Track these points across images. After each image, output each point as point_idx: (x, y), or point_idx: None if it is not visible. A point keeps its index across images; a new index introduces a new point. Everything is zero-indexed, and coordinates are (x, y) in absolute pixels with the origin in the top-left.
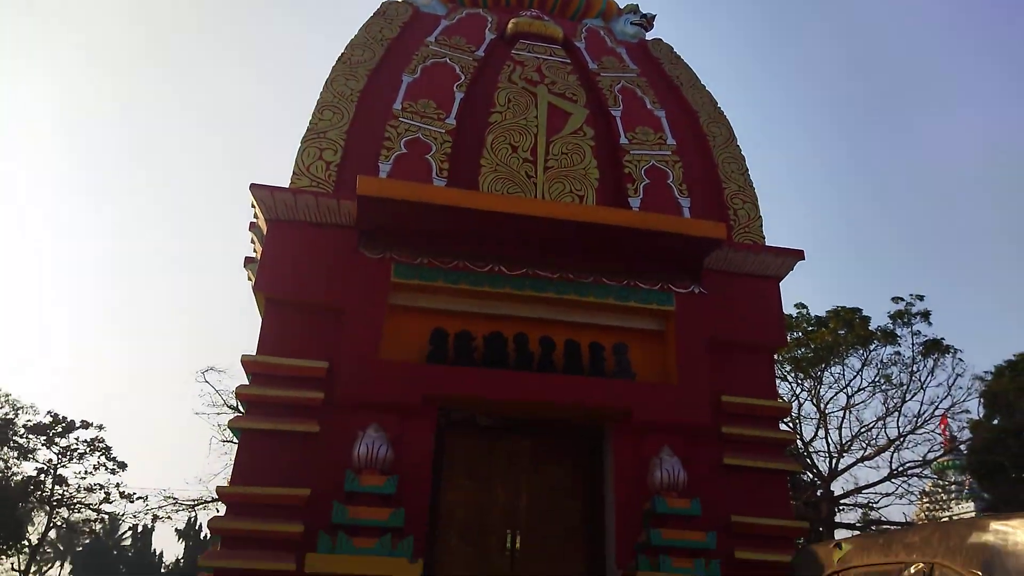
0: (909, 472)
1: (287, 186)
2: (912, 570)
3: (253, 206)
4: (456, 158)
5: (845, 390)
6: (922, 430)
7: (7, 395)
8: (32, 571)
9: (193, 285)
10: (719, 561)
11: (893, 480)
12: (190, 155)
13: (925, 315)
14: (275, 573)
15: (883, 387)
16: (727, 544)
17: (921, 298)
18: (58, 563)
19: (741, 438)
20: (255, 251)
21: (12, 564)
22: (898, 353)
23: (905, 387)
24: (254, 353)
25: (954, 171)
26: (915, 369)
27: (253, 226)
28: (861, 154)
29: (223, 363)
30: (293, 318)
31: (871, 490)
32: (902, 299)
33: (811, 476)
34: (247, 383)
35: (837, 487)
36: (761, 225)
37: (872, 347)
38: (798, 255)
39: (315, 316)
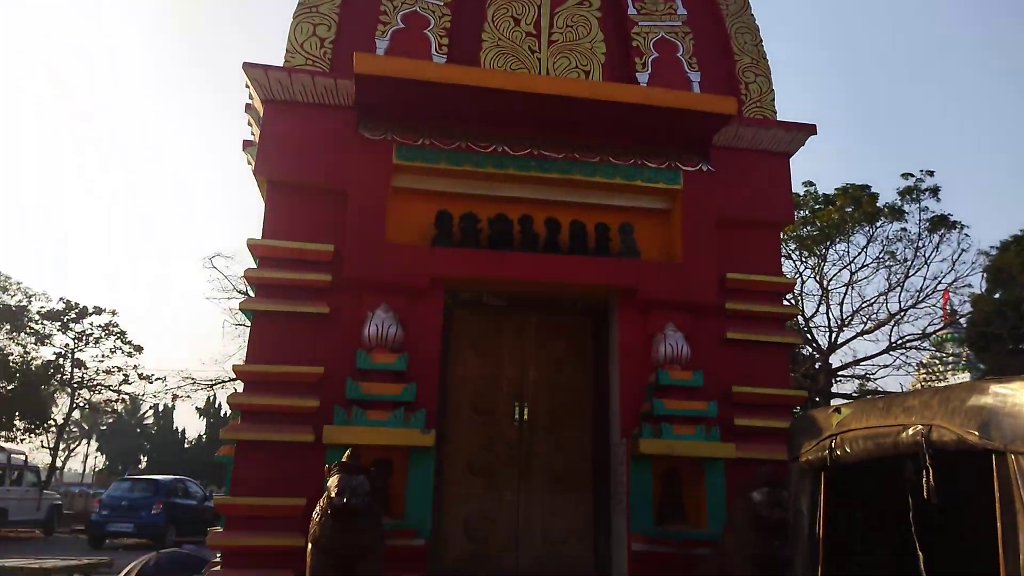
0: (908, 345)
1: (281, 65)
2: (910, 432)
3: (248, 87)
4: (456, 33)
5: (849, 267)
6: (923, 304)
7: (19, 283)
8: (60, 448)
9: (197, 169)
10: (719, 428)
11: (891, 352)
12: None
13: (934, 191)
14: (294, 444)
15: (887, 263)
16: (727, 412)
17: (931, 173)
18: (84, 441)
19: (744, 313)
20: (252, 134)
21: (41, 442)
22: (904, 230)
23: (909, 263)
24: (260, 237)
25: (972, 37)
26: (920, 245)
27: (249, 108)
28: (874, 23)
29: (230, 249)
30: (296, 201)
31: (869, 362)
32: (911, 175)
33: (810, 350)
34: (255, 267)
35: (835, 360)
36: (773, 99)
37: (879, 224)
38: (810, 130)
39: (318, 198)
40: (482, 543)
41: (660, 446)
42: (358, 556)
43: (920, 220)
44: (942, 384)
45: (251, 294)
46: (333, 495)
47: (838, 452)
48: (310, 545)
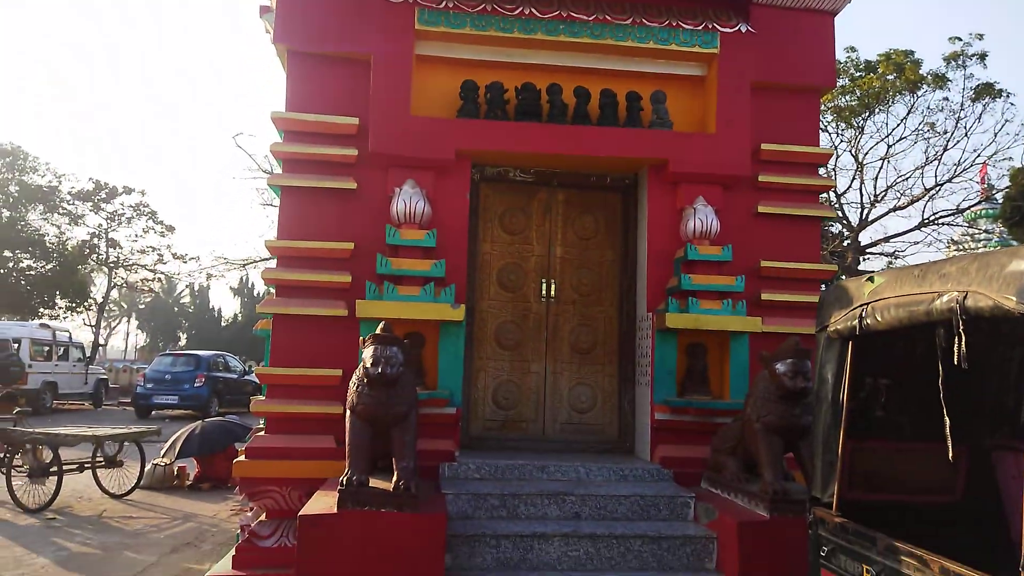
0: (940, 221)
1: None
2: (944, 299)
3: None
4: None
5: (887, 139)
6: (959, 179)
7: (47, 163)
8: (102, 326)
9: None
10: (745, 302)
11: (922, 229)
12: None
13: (982, 57)
14: (329, 318)
15: (926, 135)
16: (755, 287)
17: (981, 37)
18: (124, 319)
19: (777, 186)
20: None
21: (83, 320)
22: (947, 99)
23: (949, 135)
24: (283, 111)
25: None
26: (962, 115)
27: None
28: None
29: (254, 128)
30: (318, 71)
31: (899, 239)
32: (959, 39)
33: (840, 227)
34: (280, 141)
35: (865, 237)
36: None
37: (920, 93)
38: None
39: (341, 69)
40: (510, 411)
41: (686, 320)
42: (393, 422)
43: (964, 88)
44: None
45: (279, 170)
46: (368, 365)
47: (868, 321)
48: (348, 412)
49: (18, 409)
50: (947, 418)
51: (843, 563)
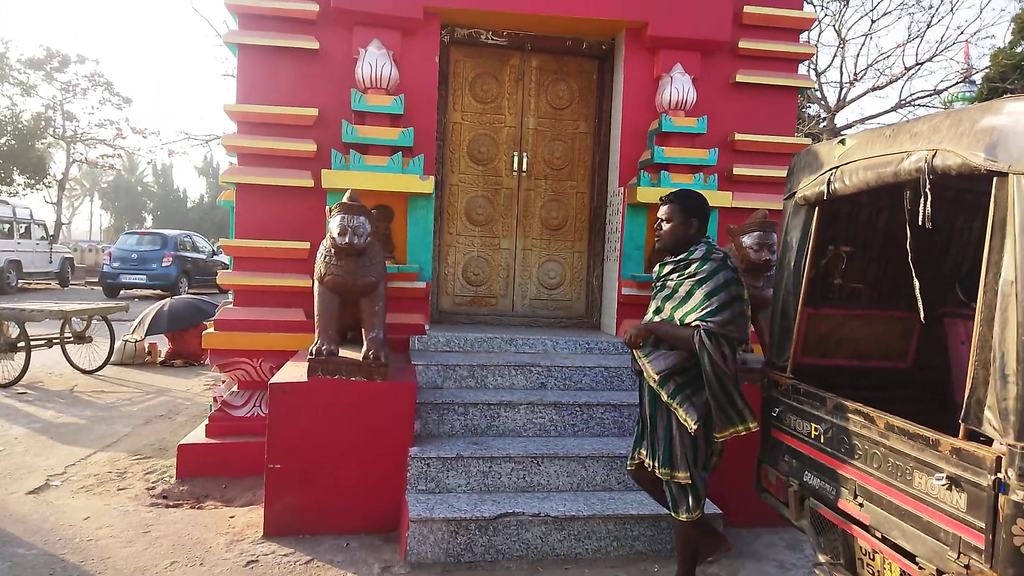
0: (917, 102)
1: None
2: (914, 158)
3: None
4: None
5: (871, 14)
6: (940, 57)
7: None
8: (64, 205)
9: None
10: (716, 176)
11: (899, 110)
12: None
13: None
14: (294, 189)
15: (911, 9)
16: (728, 160)
17: None
18: (87, 199)
19: (757, 53)
20: None
21: (44, 198)
22: None
23: (935, 9)
24: None
25: None
26: None
27: None
28: None
29: None
30: None
31: (875, 120)
32: None
33: (818, 108)
34: None
35: (841, 120)
36: None
37: None
38: None
39: None
40: (480, 287)
41: (657, 194)
42: (362, 292)
43: None
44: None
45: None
46: (336, 234)
47: (836, 185)
48: (316, 283)
49: None
50: (915, 280)
51: (792, 423)
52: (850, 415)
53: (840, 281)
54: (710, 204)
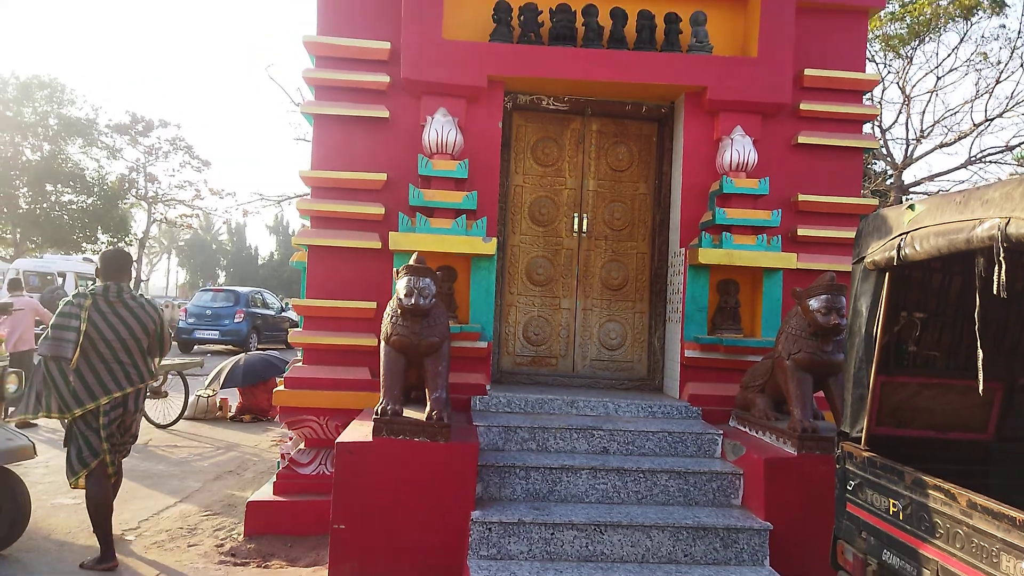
0: (988, 159)
1: None
2: (986, 225)
3: None
4: None
5: (936, 71)
6: (1011, 113)
7: (84, 96)
8: (144, 262)
9: None
10: (780, 237)
11: (969, 167)
12: None
13: None
14: (363, 250)
15: (978, 66)
16: (791, 222)
17: None
18: (165, 256)
19: (819, 115)
20: None
21: None
22: (1003, 26)
23: (1003, 65)
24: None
25: None
26: (1019, 44)
27: None
28: None
29: (286, 61)
30: None
31: (944, 178)
32: None
33: (884, 165)
34: (312, 67)
35: (909, 176)
36: None
37: (975, 20)
38: None
39: None
40: (541, 346)
41: (719, 255)
42: (426, 352)
43: (1023, 14)
44: None
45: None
46: (402, 296)
47: (906, 251)
48: (382, 343)
49: None
50: (980, 350)
51: (870, 497)
52: (930, 491)
53: (914, 348)
54: (774, 266)
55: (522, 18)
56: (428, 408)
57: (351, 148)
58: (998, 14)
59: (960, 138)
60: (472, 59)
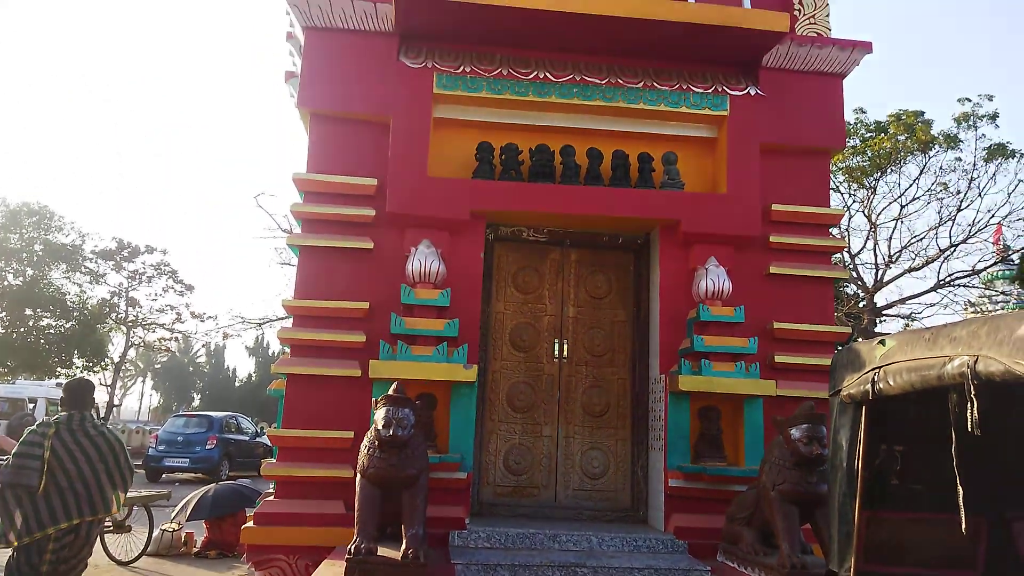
0: (956, 282)
1: None
2: (956, 363)
3: (288, 13)
4: None
5: (899, 199)
6: (974, 239)
7: (72, 223)
8: (117, 386)
9: (240, 111)
10: (759, 364)
11: (939, 291)
12: None
13: (992, 117)
14: (342, 378)
15: (939, 195)
16: (768, 349)
17: (991, 98)
18: (140, 379)
19: (788, 247)
20: (295, 65)
21: (99, 379)
22: (959, 159)
23: (963, 195)
24: (305, 172)
25: None
26: (975, 176)
27: (291, 37)
28: None
29: (275, 188)
30: (339, 133)
31: (915, 301)
32: (969, 99)
33: (855, 288)
34: (300, 202)
35: (881, 299)
36: (828, 15)
37: (932, 153)
38: (866, 48)
39: (361, 131)
40: (522, 475)
41: (699, 383)
42: (403, 485)
43: (976, 149)
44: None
45: (297, 230)
46: (380, 427)
47: (880, 385)
48: (358, 475)
49: None
50: (960, 487)
51: None
52: None
53: (897, 482)
54: (754, 393)
55: (504, 157)
56: (404, 546)
57: (335, 277)
58: (953, 148)
59: (928, 263)
60: (456, 195)
